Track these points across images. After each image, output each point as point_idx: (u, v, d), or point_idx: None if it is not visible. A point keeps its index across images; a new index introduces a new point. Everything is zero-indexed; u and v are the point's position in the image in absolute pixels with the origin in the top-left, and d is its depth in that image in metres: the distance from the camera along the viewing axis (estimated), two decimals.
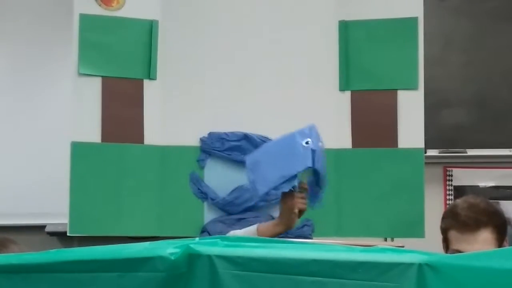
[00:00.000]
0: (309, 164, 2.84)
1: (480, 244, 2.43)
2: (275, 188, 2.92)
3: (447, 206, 4.88)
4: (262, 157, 3.02)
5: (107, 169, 3.48)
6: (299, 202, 2.94)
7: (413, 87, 3.54)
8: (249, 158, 3.06)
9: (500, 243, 2.49)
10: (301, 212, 2.94)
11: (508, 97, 5.07)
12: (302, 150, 2.85)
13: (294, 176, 2.88)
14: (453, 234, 2.52)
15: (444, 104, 5.06)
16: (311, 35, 3.63)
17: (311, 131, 2.91)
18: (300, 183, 2.94)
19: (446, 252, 2.52)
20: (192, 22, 3.62)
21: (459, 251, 2.39)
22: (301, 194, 2.96)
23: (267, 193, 2.99)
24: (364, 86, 3.59)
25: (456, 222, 2.51)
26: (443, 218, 2.60)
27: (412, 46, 3.54)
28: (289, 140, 2.95)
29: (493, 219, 2.50)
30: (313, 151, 2.83)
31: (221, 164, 3.57)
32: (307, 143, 2.86)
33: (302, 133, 2.91)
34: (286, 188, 2.89)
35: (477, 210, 2.50)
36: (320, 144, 2.91)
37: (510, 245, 2.58)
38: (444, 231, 2.57)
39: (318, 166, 2.88)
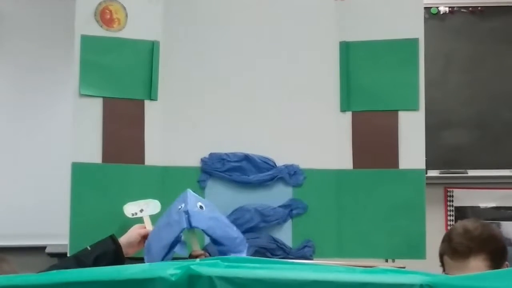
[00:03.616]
0: (184, 225, 2.81)
1: (470, 271, 2.36)
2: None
3: (448, 227, 4.88)
4: (151, 237, 3.02)
5: (107, 190, 3.47)
6: None
7: (414, 108, 3.54)
8: (146, 242, 3.04)
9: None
10: None
11: (509, 118, 5.08)
12: (177, 216, 2.85)
13: (174, 244, 2.85)
14: (446, 260, 2.50)
15: (445, 125, 5.07)
16: (312, 55, 3.64)
17: (185, 196, 2.91)
18: (192, 251, 2.94)
19: None
20: (193, 43, 3.63)
21: None
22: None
23: None
24: (365, 107, 3.58)
25: (448, 248, 2.48)
26: (442, 241, 2.57)
27: (413, 67, 3.54)
28: (167, 212, 2.98)
29: (485, 246, 2.44)
30: (186, 212, 2.82)
31: (222, 185, 3.56)
32: (179, 208, 2.87)
33: (177, 201, 2.94)
34: (169, 259, 2.89)
35: (470, 237, 2.45)
36: (199, 204, 2.89)
37: None
38: (440, 256, 2.55)
39: (200, 225, 2.85)
